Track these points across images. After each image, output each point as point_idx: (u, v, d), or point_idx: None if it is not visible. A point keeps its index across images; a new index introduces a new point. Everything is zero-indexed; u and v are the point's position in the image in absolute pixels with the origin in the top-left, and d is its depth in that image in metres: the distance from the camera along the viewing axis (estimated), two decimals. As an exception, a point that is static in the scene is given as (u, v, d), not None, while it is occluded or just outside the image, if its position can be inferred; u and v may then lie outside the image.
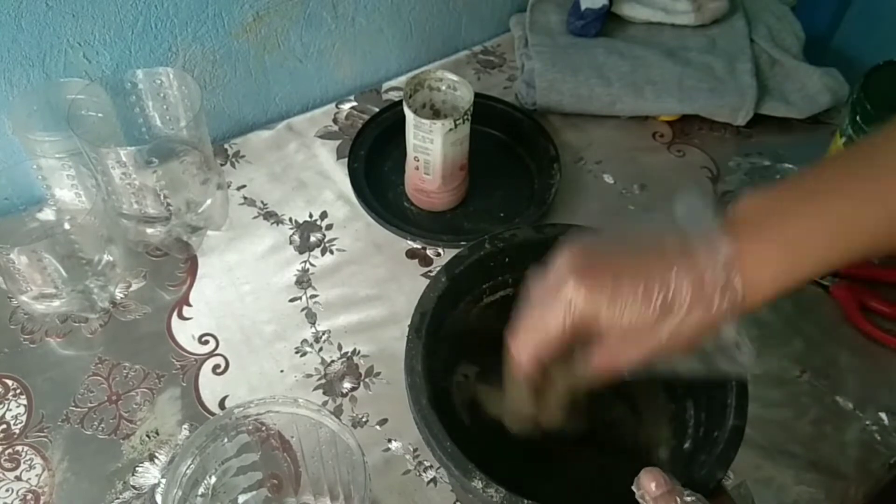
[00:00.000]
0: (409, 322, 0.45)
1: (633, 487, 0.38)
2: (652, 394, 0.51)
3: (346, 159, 0.69)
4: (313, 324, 0.60)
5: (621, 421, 0.52)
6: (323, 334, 0.59)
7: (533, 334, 0.39)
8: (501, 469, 0.40)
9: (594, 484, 0.49)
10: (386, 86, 0.78)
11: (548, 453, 0.49)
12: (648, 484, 0.38)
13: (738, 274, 0.35)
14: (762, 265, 0.35)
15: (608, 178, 0.71)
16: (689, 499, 0.37)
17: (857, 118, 0.60)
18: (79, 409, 0.55)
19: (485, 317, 0.51)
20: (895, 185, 0.35)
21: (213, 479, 0.44)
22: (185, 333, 0.59)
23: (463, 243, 0.63)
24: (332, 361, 0.58)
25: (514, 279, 0.50)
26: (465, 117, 0.60)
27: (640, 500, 0.38)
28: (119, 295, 0.60)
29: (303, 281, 0.62)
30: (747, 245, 0.35)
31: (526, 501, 0.39)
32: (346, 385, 0.57)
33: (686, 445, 0.47)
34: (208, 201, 0.61)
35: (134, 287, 0.61)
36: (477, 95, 0.61)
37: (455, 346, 0.50)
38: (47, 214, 0.60)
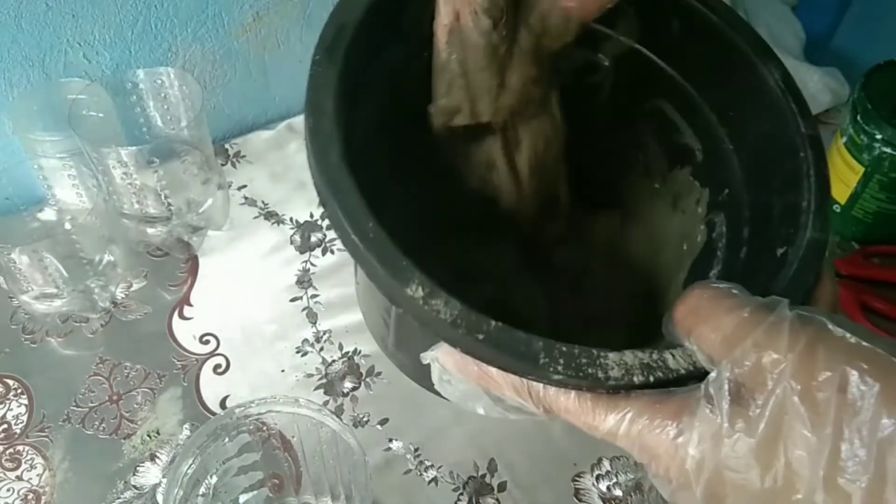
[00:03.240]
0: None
1: (671, 321, 0.26)
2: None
3: (347, 159, 0.69)
4: (314, 323, 0.60)
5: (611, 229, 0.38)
6: (324, 334, 0.59)
7: None
8: (454, 271, 0.27)
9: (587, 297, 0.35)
10: (386, 86, 0.78)
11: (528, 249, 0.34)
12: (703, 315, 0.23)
13: None
14: None
15: None
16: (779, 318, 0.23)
17: (858, 118, 0.60)
18: (80, 409, 0.55)
19: None
20: None
21: (215, 479, 0.44)
22: (185, 333, 0.59)
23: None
24: (333, 361, 0.58)
25: None
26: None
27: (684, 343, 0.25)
28: (120, 295, 0.60)
29: (303, 281, 0.62)
30: None
31: (495, 323, 0.25)
32: (347, 385, 0.57)
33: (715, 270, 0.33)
34: (209, 201, 0.61)
35: (135, 287, 0.61)
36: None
37: (399, 88, 0.34)
38: (48, 214, 0.60)
